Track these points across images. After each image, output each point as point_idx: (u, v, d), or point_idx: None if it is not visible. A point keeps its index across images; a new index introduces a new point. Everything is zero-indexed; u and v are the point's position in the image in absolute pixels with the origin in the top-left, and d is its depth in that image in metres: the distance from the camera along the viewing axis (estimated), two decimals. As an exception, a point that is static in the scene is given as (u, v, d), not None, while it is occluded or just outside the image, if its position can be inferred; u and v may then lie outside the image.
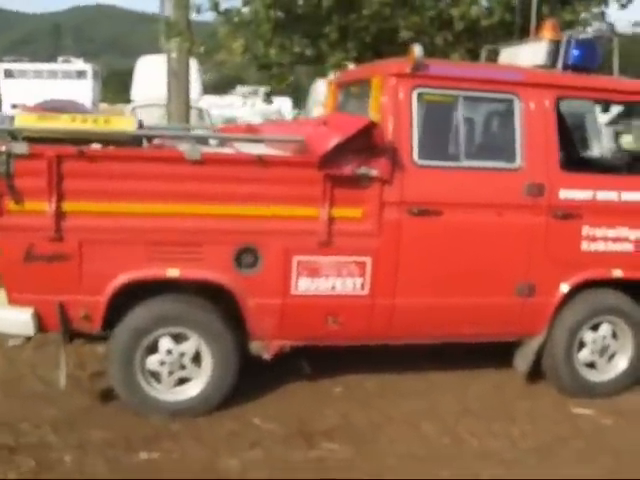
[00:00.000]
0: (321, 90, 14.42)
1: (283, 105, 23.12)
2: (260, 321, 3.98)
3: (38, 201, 3.65)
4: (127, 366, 3.88)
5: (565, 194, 4.17)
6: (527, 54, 4.72)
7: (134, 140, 3.88)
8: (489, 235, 4.12)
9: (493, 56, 5.21)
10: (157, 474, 3.39)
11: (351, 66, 5.25)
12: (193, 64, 13.45)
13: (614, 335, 4.41)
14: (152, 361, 3.93)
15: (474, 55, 5.89)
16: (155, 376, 3.96)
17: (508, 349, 4.49)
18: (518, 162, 4.13)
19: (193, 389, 3.98)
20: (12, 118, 3.78)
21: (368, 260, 4.00)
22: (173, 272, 3.82)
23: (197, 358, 3.99)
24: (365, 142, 3.82)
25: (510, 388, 4.49)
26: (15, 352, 4.83)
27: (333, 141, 3.71)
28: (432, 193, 4.04)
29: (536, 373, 4.49)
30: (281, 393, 4.32)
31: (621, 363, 4.43)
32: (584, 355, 4.39)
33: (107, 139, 3.75)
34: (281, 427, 3.88)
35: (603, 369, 4.43)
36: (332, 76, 5.33)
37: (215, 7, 6.44)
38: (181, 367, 3.96)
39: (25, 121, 3.71)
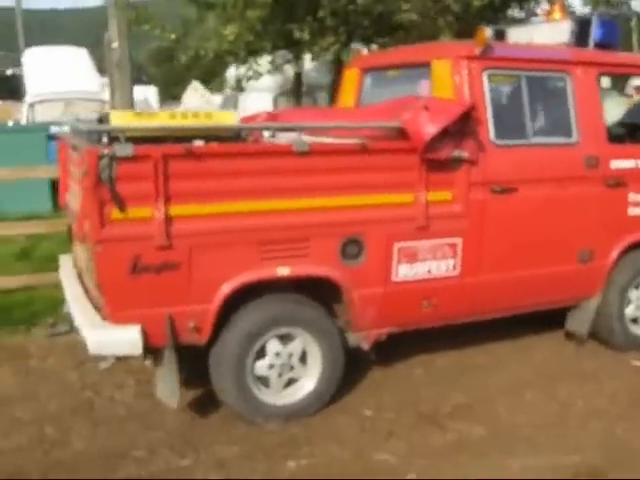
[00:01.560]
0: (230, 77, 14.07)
1: (149, 94, 22.25)
2: (362, 312, 3.92)
3: (144, 207, 3.33)
4: (239, 374, 3.68)
5: (615, 164, 4.48)
6: (547, 34, 4.96)
7: (235, 135, 3.65)
8: (557, 207, 4.33)
9: (499, 37, 5.41)
10: (322, 480, 3.27)
11: (364, 50, 5.22)
12: (84, 54, 12.63)
13: (652, 291, 4.84)
14: (260, 365, 3.75)
15: (462, 38, 6.05)
16: (263, 381, 3.79)
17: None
18: (575, 137, 4.37)
19: (305, 388, 3.85)
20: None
21: (459, 241, 4.07)
22: (283, 270, 3.66)
23: (302, 357, 3.87)
24: (458, 125, 3.87)
25: (566, 351, 4.77)
26: (56, 375, 4.39)
27: (438, 126, 3.72)
28: (509, 171, 4.17)
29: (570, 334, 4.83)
30: (367, 382, 4.28)
31: (660, 315, 4.87)
32: (630, 311, 4.76)
33: (210, 135, 3.50)
34: (399, 415, 3.86)
35: (646, 323, 4.85)
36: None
37: None
38: (290, 368, 3.82)
39: (122, 120, 3.36)
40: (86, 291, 4.01)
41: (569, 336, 4.87)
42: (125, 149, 3.24)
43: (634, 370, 4.49)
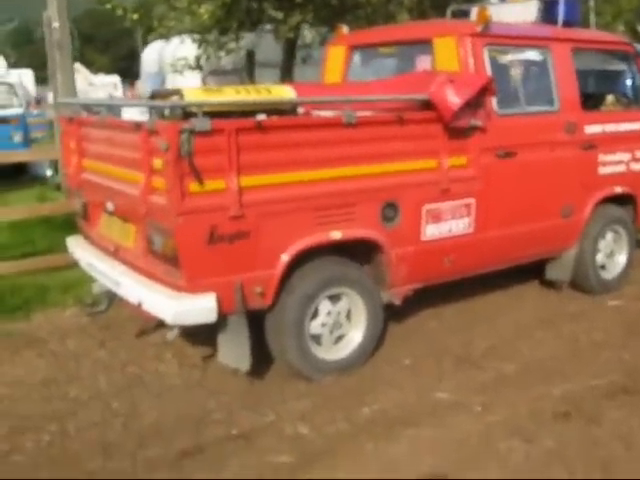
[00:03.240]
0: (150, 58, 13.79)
1: (25, 77, 21.20)
2: (397, 270, 4.27)
3: (219, 179, 3.50)
4: (300, 334, 3.93)
5: (588, 129, 5.08)
6: (516, 12, 5.47)
7: (292, 109, 3.85)
8: (546, 168, 4.87)
9: (461, 16, 5.86)
10: (398, 421, 3.59)
11: (344, 29, 5.49)
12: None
13: (614, 240, 5.52)
14: (315, 325, 4.02)
15: (416, 17, 6.45)
16: (316, 339, 4.06)
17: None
18: (556, 105, 4.92)
19: (353, 342, 4.17)
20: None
21: (472, 201, 4.50)
22: (336, 234, 3.93)
23: (347, 315, 4.16)
24: (475, 97, 4.28)
25: (550, 297, 5.37)
26: (85, 355, 4.41)
27: (464, 97, 4.12)
28: (509, 137, 4.64)
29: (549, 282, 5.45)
30: (392, 336, 4.56)
31: (621, 260, 5.56)
32: (600, 258, 5.42)
33: (270, 109, 3.69)
34: (438, 361, 4.24)
35: (610, 268, 5.52)
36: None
37: None
38: (339, 326, 4.11)
39: (195, 95, 3.48)
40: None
41: (547, 284, 5.47)
42: (204, 124, 3.38)
43: (613, 309, 5.15)
